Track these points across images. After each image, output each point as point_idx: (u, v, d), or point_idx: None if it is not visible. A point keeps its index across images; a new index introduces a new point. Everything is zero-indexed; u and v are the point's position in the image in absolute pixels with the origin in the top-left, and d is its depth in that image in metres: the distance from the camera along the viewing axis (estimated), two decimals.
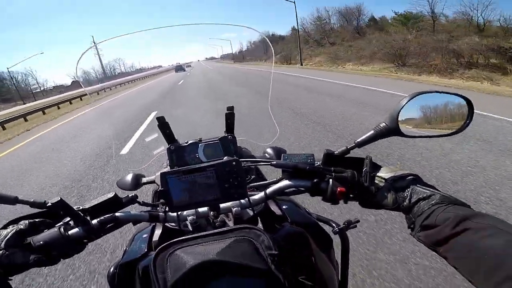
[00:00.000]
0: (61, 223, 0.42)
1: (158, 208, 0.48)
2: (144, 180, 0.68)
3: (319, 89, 6.95)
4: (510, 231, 0.28)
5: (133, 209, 0.46)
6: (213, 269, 0.32)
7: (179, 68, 34.40)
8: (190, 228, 0.46)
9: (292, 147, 2.87)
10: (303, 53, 20.75)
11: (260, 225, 0.56)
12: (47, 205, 0.40)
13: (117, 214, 0.43)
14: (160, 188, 0.43)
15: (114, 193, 0.44)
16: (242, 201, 0.46)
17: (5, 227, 0.41)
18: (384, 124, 0.42)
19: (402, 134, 0.42)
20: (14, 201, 0.40)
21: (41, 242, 0.38)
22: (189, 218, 0.45)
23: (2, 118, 9.19)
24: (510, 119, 3.29)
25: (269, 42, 0.87)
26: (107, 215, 0.42)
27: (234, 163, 0.44)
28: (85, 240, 0.42)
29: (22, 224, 0.40)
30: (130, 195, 0.46)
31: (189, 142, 0.65)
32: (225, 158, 0.48)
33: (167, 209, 0.46)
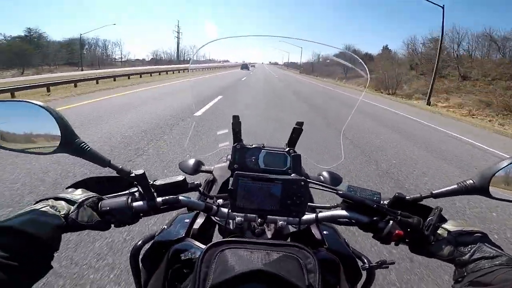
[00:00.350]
0: (128, 192, 0.49)
1: (212, 201, 0.55)
2: (203, 168, 0.79)
3: None
4: None
5: (193, 196, 0.51)
6: (258, 278, 0.35)
7: (245, 66, 40.90)
8: (231, 227, 0.54)
9: None
10: (414, 84, 15.69)
11: None
12: (131, 175, 0.46)
13: (180, 197, 0.49)
14: (230, 187, 0.47)
15: (183, 177, 0.50)
16: (291, 218, 0.50)
17: (83, 184, 0.48)
18: (471, 181, 0.44)
19: (490, 196, 0.43)
20: (106, 164, 0.44)
21: (108, 208, 0.44)
22: (237, 219, 0.50)
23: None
24: None
25: (365, 65, 0.76)
26: (172, 196, 0.48)
27: (302, 183, 0.48)
28: (141, 214, 0.47)
29: (100, 187, 0.48)
30: (195, 183, 0.52)
31: (254, 145, 0.71)
32: (293, 175, 0.54)
33: (219, 203, 0.54)
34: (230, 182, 0.48)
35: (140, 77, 15.61)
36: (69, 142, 0.41)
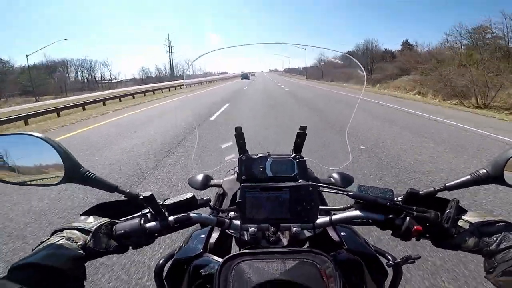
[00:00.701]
0: (140, 214, 0.52)
1: (223, 214, 0.58)
2: (212, 182, 0.83)
3: None
4: None
5: (205, 212, 0.54)
6: (276, 287, 0.37)
7: (245, 76, 44.97)
8: (246, 238, 0.56)
9: None
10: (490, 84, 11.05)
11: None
12: (139, 197, 0.48)
13: (191, 214, 0.51)
14: (238, 200, 0.50)
15: (192, 194, 0.52)
16: (304, 223, 0.53)
17: (95, 210, 0.52)
18: (484, 170, 0.46)
19: (505, 184, 0.45)
20: (113, 189, 0.48)
21: (122, 231, 0.46)
22: (251, 229, 0.53)
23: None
24: None
25: (361, 67, 0.82)
26: (183, 214, 0.51)
27: (310, 188, 0.50)
28: (156, 234, 0.50)
29: (111, 211, 0.51)
30: (204, 199, 0.54)
31: (259, 155, 0.75)
32: (301, 181, 0.56)
33: (231, 215, 0.57)
34: (238, 195, 0.51)
35: (120, 101, 14.78)
36: (74, 172, 0.44)
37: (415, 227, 0.46)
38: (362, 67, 0.84)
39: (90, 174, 0.46)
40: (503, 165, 0.44)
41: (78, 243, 0.43)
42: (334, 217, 0.55)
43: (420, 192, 0.51)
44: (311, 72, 46.76)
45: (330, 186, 0.60)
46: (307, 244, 0.60)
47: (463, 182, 0.48)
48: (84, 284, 0.42)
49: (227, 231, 0.60)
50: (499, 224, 0.44)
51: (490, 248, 0.42)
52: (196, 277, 0.51)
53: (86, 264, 0.43)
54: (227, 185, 0.82)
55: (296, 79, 42.25)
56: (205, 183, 0.84)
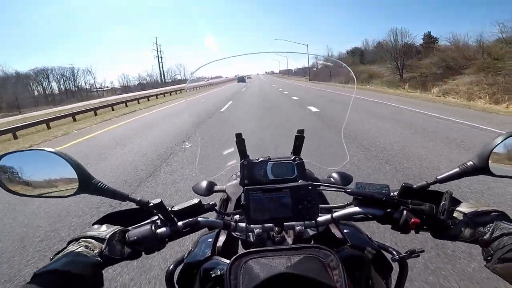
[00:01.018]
0: (150, 220, 0.57)
1: (229, 217, 0.64)
2: (216, 188, 0.90)
3: None
4: None
5: (211, 216, 0.60)
6: (284, 282, 0.42)
7: (241, 79, 46.07)
8: (252, 239, 0.63)
9: None
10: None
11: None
12: (150, 205, 0.55)
13: (199, 218, 0.57)
14: (242, 202, 0.56)
15: (199, 200, 0.58)
16: (307, 221, 0.59)
17: (106, 219, 0.57)
18: (471, 162, 0.51)
19: (491, 174, 0.49)
20: (125, 198, 0.54)
21: (135, 238, 0.52)
22: (256, 231, 0.58)
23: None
24: None
25: (349, 69, 0.90)
26: (191, 219, 0.56)
27: (310, 187, 0.56)
28: (166, 239, 0.56)
29: (122, 220, 0.56)
30: (210, 203, 0.60)
31: (260, 159, 0.81)
32: (300, 181, 0.60)
33: (236, 218, 0.64)
34: (242, 198, 0.57)
35: (96, 114, 14.17)
36: (87, 184, 0.50)
37: (413, 220, 0.51)
38: (350, 70, 0.93)
39: (103, 185, 0.51)
40: (487, 156, 0.49)
41: (95, 251, 0.48)
42: (335, 214, 0.60)
43: (414, 186, 0.56)
44: (309, 72, 44.83)
45: (328, 184, 0.66)
46: (312, 243, 0.65)
47: (452, 174, 0.53)
48: None
49: (233, 233, 0.66)
50: (491, 213, 0.49)
51: (485, 237, 0.47)
52: (207, 280, 0.56)
53: (103, 271, 0.48)
54: (230, 189, 0.88)
55: (298, 82, 38.78)
56: (210, 189, 0.91)
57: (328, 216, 0.60)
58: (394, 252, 0.61)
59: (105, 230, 0.52)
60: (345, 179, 0.89)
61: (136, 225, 0.56)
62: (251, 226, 0.60)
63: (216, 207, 0.61)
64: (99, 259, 0.47)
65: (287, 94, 16.45)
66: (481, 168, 0.50)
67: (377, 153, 4.12)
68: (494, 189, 2.71)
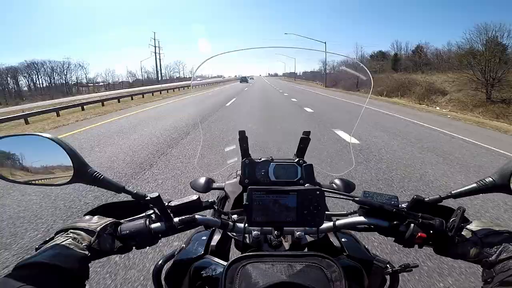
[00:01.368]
0: (144, 215, 0.59)
1: (226, 217, 0.65)
2: (214, 185, 0.95)
3: None
4: None
5: (208, 214, 0.63)
6: None
7: (244, 79, 47.60)
8: (248, 241, 0.66)
9: None
10: None
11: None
12: (146, 198, 0.56)
13: (196, 216, 0.59)
14: (245, 202, 0.57)
15: (198, 196, 0.60)
16: (308, 228, 0.61)
17: (100, 210, 0.59)
18: (490, 179, 0.52)
19: (511, 192, 0.51)
20: (121, 190, 0.55)
21: (127, 232, 0.54)
22: (254, 233, 0.61)
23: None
24: None
25: (368, 72, 0.86)
26: (188, 216, 0.58)
27: (318, 192, 0.56)
28: (160, 235, 0.57)
29: (115, 212, 0.58)
30: (209, 201, 0.63)
31: (262, 159, 0.83)
32: (307, 185, 0.61)
33: (234, 218, 0.66)
34: (245, 197, 0.58)
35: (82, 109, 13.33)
36: (82, 172, 0.51)
37: (419, 234, 0.53)
38: (369, 73, 0.89)
39: (98, 175, 0.52)
40: (509, 174, 0.50)
41: (83, 244, 0.49)
42: (338, 222, 0.62)
43: (426, 199, 0.57)
44: (330, 77, 38.84)
45: (337, 191, 0.67)
46: (306, 250, 0.67)
47: (469, 190, 0.54)
48: (86, 283, 0.47)
49: (229, 233, 0.68)
50: (502, 234, 0.50)
51: (490, 259, 0.48)
52: (197, 279, 0.58)
53: (89, 264, 0.49)
54: (229, 188, 0.91)
55: (310, 87, 35.42)
56: (208, 186, 0.94)
57: (330, 224, 0.62)
58: (388, 265, 0.63)
59: (96, 222, 0.53)
60: (348, 186, 0.91)
61: (129, 218, 0.58)
62: (250, 227, 0.61)
63: (215, 205, 0.63)
64: (87, 252, 0.48)
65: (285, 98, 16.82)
66: (501, 186, 0.51)
67: None
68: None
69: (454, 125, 8.78)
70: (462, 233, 0.53)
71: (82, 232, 0.50)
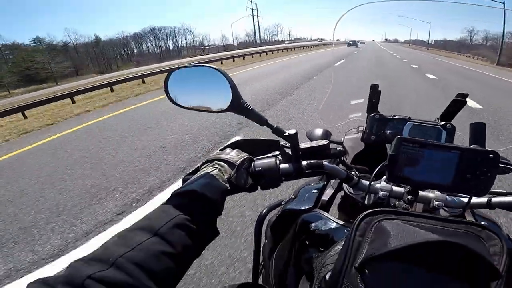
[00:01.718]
0: (273, 154, 0.62)
1: (351, 171, 0.64)
2: (331, 138, 0.89)
3: None
4: None
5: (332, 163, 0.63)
6: (430, 256, 0.37)
7: (353, 43, 46.70)
8: (367, 202, 0.63)
9: None
10: None
11: None
12: (285, 134, 0.59)
13: (324, 162, 0.59)
14: (391, 152, 0.52)
15: (327, 142, 0.62)
16: (448, 198, 0.56)
17: (237, 144, 0.65)
18: None
19: None
20: (264, 122, 0.59)
21: (260, 168, 0.58)
22: (381, 193, 0.58)
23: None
24: None
25: None
26: (317, 161, 0.59)
27: (491, 155, 0.50)
28: (283, 178, 0.60)
29: (250, 148, 0.62)
30: (337, 149, 0.64)
31: (396, 116, 0.78)
32: (474, 146, 0.56)
33: (359, 174, 0.63)
34: (391, 148, 0.54)
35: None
36: (237, 103, 0.60)
37: None
38: None
39: (248, 106, 0.60)
40: None
41: (225, 176, 0.54)
42: (494, 199, 0.55)
43: None
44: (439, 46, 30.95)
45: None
46: (470, 220, 0.62)
47: None
48: (217, 219, 0.51)
49: (347, 190, 0.67)
50: None
51: None
52: (304, 231, 0.60)
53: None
54: (349, 143, 0.88)
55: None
56: (325, 139, 0.90)
57: (483, 199, 0.56)
58: None
59: (236, 155, 0.60)
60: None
61: (260, 157, 0.63)
62: (376, 186, 0.59)
63: (344, 156, 0.63)
64: (227, 185, 0.53)
65: None
66: None
67: None
68: None
69: None
70: None
71: (225, 164, 0.57)
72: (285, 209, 0.69)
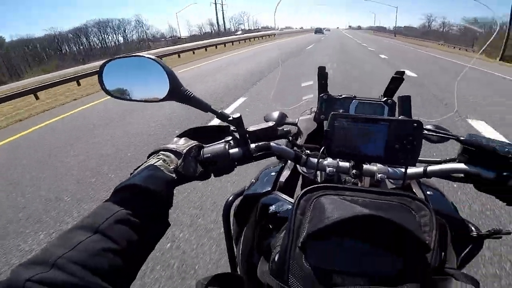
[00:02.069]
0: (224, 140, 0.66)
1: (300, 150, 0.69)
2: (287, 120, 0.99)
3: None
4: None
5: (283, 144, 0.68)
6: (362, 227, 0.41)
7: (319, 30, 51.18)
8: (319, 179, 0.70)
9: None
10: None
11: None
12: (229, 118, 0.63)
13: (271, 143, 0.64)
14: (326, 128, 0.59)
15: (274, 123, 0.66)
16: (390, 170, 0.62)
17: (187, 133, 0.67)
18: None
19: None
20: (208, 109, 0.62)
21: (209, 155, 0.61)
22: (328, 169, 0.63)
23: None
24: None
25: None
26: (263, 142, 0.64)
27: (415, 124, 0.55)
28: (236, 163, 0.64)
29: (201, 136, 0.65)
30: (284, 129, 0.69)
31: (343, 95, 0.87)
32: (401, 117, 0.62)
33: (308, 153, 0.69)
34: (326, 124, 0.60)
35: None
36: (176, 91, 0.62)
37: None
38: None
39: (189, 93, 0.62)
40: None
41: (171, 166, 0.57)
42: (429, 168, 0.61)
43: None
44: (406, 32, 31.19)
45: (441, 131, 0.66)
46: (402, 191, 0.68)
47: None
48: (169, 211, 0.54)
49: (300, 169, 0.74)
50: None
51: None
52: (264, 214, 0.65)
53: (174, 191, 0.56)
54: (303, 124, 0.98)
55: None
56: (281, 120, 1.02)
57: (419, 169, 0.61)
58: (473, 228, 0.63)
59: (183, 144, 0.62)
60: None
61: (211, 144, 0.66)
62: (324, 163, 0.65)
63: (289, 136, 0.70)
64: (174, 175, 0.56)
65: None
66: None
67: None
68: None
69: None
70: None
71: (171, 154, 0.59)
72: (247, 194, 0.73)
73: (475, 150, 0.56)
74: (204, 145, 0.66)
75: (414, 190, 0.72)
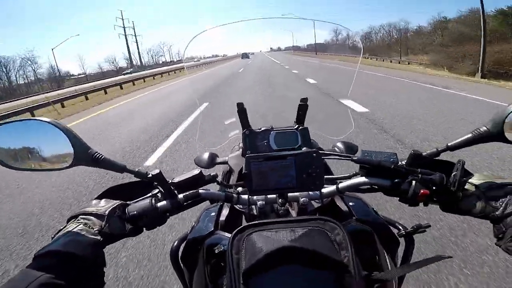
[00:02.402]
0: (150, 194, 0.69)
1: (231, 190, 0.77)
2: (218, 160, 1.11)
3: None
4: None
5: (213, 188, 0.74)
6: (287, 256, 0.50)
7: (245, 55, 53.78)
8: (255, 212, 0.77)
9: None
10: None
11: None
12: (148, 176, 0.66)
13: (200, 190, 0.70)
14: (244, 171, 0.67)
15: (200, 171, 0.71)
16: (311, 193, 0.73)
17: (106, 193, 0.69)
18: (485, 128, 0.60)
19: (506, 141, 0.59)
20: (122, 169, 0.64)
21: (135, 212, 0.64)
22: (259, 203, 0.73)
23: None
24: None
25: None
26: (192, 191, 0.69)
27: (314, 154, 0.67)
28: (167, 214, 0.69)
29: (122, 194, 0.68)
30: (211, 174, 0.74)
31: (262, 128, 0.99)
32: (304, 149, 0.74)
33: (239, 191, 0.77)
34: (243, 167, 0.68)
35: None
36: (83, 154, 0.60)
37: (422, 191, 0.61)
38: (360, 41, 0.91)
39: (99, 156, 0.60)
40: (502, 122, 0.57)
41: (95, 229, 0.57)
42: (340, 185, 0.72)
43: (423, 154, 0.65)
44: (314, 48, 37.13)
45: (333, 153, 0.81)
46: (317, 215, 0.75)
47: (465, 141, 0.62)
48: (104, 270, 0.56)
49: (236, 206, 0.80)
50: (505, 187, 0.56)
51: (497, 213, 0.54)
52: (210, 255, 0.68)
53: (104, 250, 0.57)
54: (233, 161, 1.07)
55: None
56: (211, 162, 1.11)
57: (333, 187, 0.72)
58: (400, 227, 0.73)
59: (103, 206, 0.63)
60: (350, 148, 1.07)
61: (136, 200, 0.68)
62: (254, 198, 0.73)
63: (217, 179, 0.74)
64: (99, 237, 0.56)
65: None
66: (496, 135, 0.59)
67: None
68: None
69: None
70: (465, 187, 0.60)
71: (92, 217, 0.60)
72: (189, 239, 0.76)
73: (368, 166, 0.68)
74: (128, 203, 0.67)
75: (337, 203, 0.82)
